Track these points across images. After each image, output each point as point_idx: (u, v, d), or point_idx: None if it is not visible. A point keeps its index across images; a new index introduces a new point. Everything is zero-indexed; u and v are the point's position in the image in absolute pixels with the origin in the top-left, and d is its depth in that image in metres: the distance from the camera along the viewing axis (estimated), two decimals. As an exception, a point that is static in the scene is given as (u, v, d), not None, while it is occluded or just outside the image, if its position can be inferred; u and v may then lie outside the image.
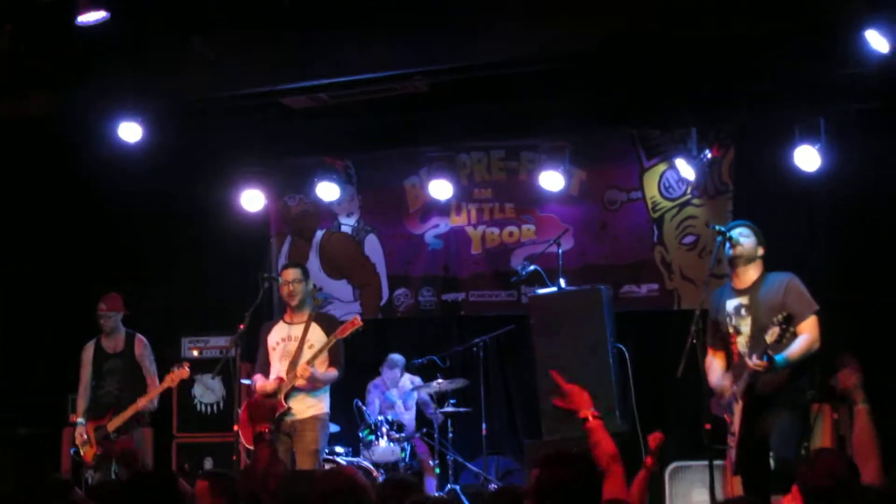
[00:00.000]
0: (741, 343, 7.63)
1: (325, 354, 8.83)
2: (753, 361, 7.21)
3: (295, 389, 8.87)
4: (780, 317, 7.11)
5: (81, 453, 9.71)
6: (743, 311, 7.65)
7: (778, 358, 7.24)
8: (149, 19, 9.43)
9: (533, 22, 9.16)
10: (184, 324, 12.20)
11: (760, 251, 7.79)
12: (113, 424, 9.63)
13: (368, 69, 9.78)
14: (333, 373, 8.88)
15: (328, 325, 9.02)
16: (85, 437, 9.68)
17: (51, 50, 9.96)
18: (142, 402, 9.74)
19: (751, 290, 7.70)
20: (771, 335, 7.12)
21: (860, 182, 10.39)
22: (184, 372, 9.75)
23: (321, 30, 9.48)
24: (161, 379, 9.92)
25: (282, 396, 8.77)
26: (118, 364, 9.93)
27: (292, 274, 9.24)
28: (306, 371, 8.63)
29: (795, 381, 7.50)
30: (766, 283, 7.66)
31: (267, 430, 8.54)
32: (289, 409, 8.77)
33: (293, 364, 8.80)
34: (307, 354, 8.84)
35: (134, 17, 9.22)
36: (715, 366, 7.82)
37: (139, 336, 10.10)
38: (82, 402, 9.92)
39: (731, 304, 7.75)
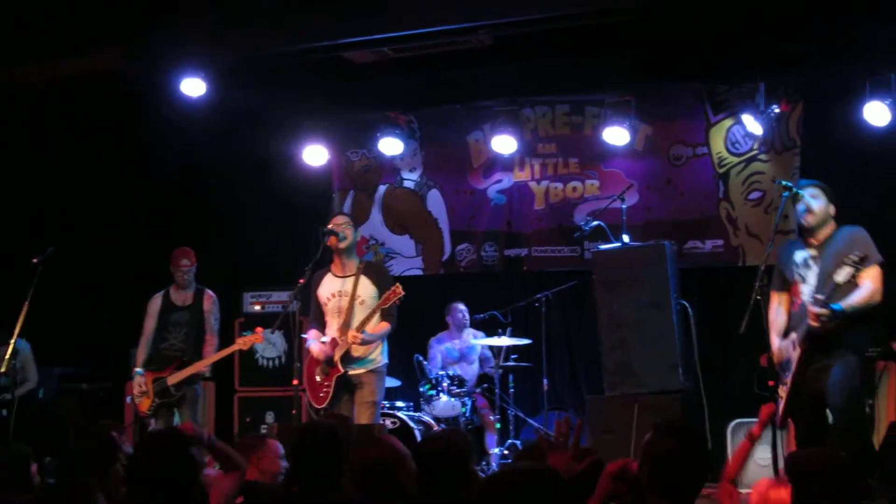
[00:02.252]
0: (805, 292, 7.48)
1: (376, 313, 8.75)
2: (813, 310, 7.09)
3: (352, 358, 8.79)
4: (854, 257, 6.96)
5: (137, 402, 9.76)
6: (811, 262, 7.52)
7: (835, 306, 7.11)
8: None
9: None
10: (246, 279, 12.27)
11: (832, 210, 7.65)
12: (173, 379, 9.66)
13: (431, 22, 9.70)
14: (386, 328, 8.79)
15: (378, 277, 8.90)
16: (143, 387, 9.73)
17: (115, 5, 10.01)
18: (204, 364, 9.78)
19: (821, 245, 7.58)
20: (843, 274, 6.98)
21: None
22: (257, 338, 9.75)
23: (384, -18, 9.46)
24: (229, 340, 9.95)
25: (337, 360, 8.71)
26: (185, 317, 9.95)
27: (343, 218, 9.19)
28: (357, 338, 8.57)
29: (855, 333, 7.35)
30: (836, 236, 7.53)
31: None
32: (345, 372, 8.72)
33: (346, 324, 8.73)
34: (359, 311, 8.72)
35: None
36: (780, 312, 7.69)
37: (209, 291, 10.10)
38: (143, 353, 9.93)
39: (800, 256, 7.62)
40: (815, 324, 7.10)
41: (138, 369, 9.83)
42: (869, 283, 7.20)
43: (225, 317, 10.38)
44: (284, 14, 9.87)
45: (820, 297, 7.14)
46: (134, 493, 4.59)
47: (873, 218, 9.84)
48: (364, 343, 8.62)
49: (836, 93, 10.55)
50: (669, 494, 4.15)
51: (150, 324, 10.01)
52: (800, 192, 7.69)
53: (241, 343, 9.76)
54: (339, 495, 4.91)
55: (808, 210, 7.59)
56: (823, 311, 7.05)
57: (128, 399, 9.94)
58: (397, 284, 8.60)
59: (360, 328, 8.58)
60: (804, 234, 7.81)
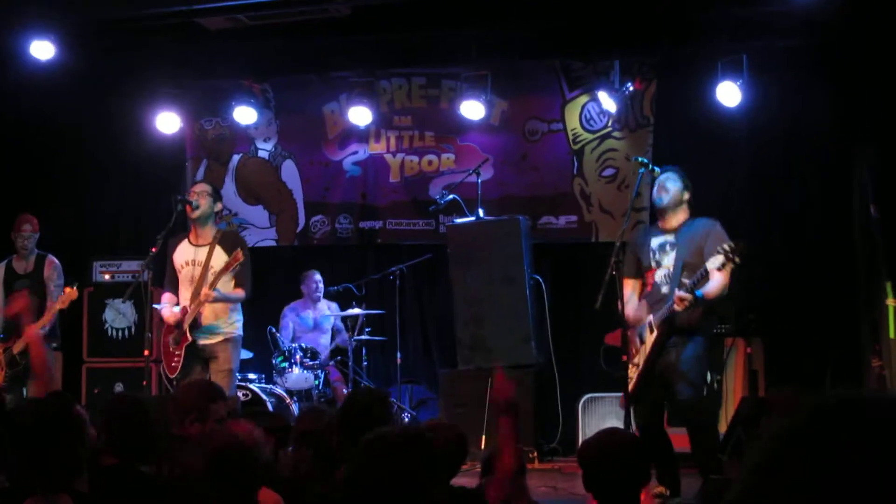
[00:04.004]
0: (659, 275, 7.61)
1: (229, 275, 8.64)
2: (680, 295, 7.20)
3: (200, 326, 8.67)
4: (727, 246, 7.07)
5: None
6: (668, 248, 7.63)
7: (698, 293, 7.25)
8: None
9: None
10: (96, 247, 12.00)
11: (686, 196, 7.76)
12: (17, 346, 9.44)
13: (289, -10, 9.60)
14: (240, 293, 8.70)
15: (231, 244, 8.79)
16: None
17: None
18: (34, 329, 9.54)
19: (676, 231, 7.68)
20: (715, 262, 7.08)
21: (781, 119, 10.49)
22: (72, 292, 9.51)
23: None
24: (80, 309, 9.76)
25: (186, 328, 8.58)
26: (26, 285, 9.73)
27: (201, 186, 9.06)
28: (209, 295, 8.46)
29: (707, 318, 7.52)
30: (691, 225, 7.65)
31: None
32: (193, 341, 8.59)
33: (197, 293, 8.63)
34: (211, 281, 8.65)
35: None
36: (633, 299, 7.82)
37: (50, 257, 9.89)
38: None
39: (655, 241, 7.72)
40: (678, 308, 7.21)
41: None
42: (722, 277, 7.33)
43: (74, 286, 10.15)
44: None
45: (687, 282, 7.26)
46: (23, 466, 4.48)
47: (722, 196, 10.10)
48: (216, 301, 8.50)
49: (688, 72, 10.75)
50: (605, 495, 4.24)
51: None
52: (655, 168, 7.80)
53: (60, 303, 9.52)
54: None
55: (662, 187, 7.69)
56: (688, 296, 7.17)
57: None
58: (238, 250, 8.47)
59: (212, 286, 8.47)
60: (658, 219, 7.91)
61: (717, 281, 7.32)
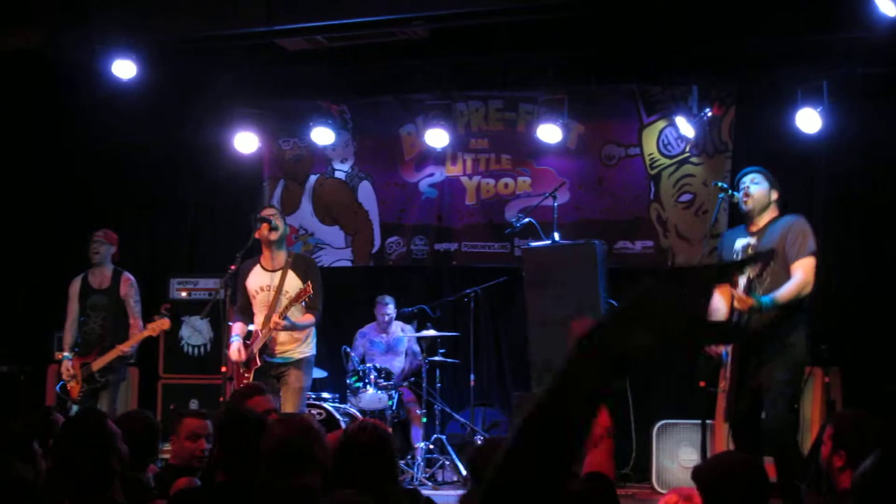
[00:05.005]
0: (742, 281, 7.51)
1: (299, 306, 8.70)
2: (738, 295, 7.12)
3: (275, 356, 8.74)
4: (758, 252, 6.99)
5: (67, 388, 9.64)
6: (750, 251, 7.55)
7: (764, 299, 7.15)
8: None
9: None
10: (173, 265, 12.13)
11: (774, 195, 7.67)
12: (97, 364, 9.55)
13: (367, 12, 9.65)
14: (310, 319, 8.75)
15: (305, 271, 8.84)
16: (72, 371, 9.63)
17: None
18: (123, 348, 9.65)
19: (760, 231, 7.60)
20: (753, 270, 7.02)
21: (861, 146, 10.34)
22: (165, 322, 9.64)
23: (320, -32, 9.40)
24: (145, 323, 9.83)
25: (256, 352, 8.64)
26: (103, 301, 9.83)
27: (273, 209, 9.17)
28: (279, 324, 8.51)
29: (788, 335, 7.36)
30: (776, 224, 7.55)
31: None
32: (264, 363, 8.65)
33: (269, 318, 8.68)
34: (283, 306, 8.70)
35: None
36: (718, 303, 7.72)
37: (126, 274, 9.98)
38: (69, 337, 9.83)
39: (739, 243, 7.64)
40: (739, 307, 7.12)
41: (66, 354, 9.71)
42: (799, 274, 7.23)
43: (153, 303, 10.27)
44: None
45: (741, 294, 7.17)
46: (56, 473, 4.67)
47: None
48: (286, 329, 8.56)
49: (767, 98, 10.65)
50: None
51: (73, 307, 9.90)
52: (735, 193, 7.72)
53: (150, 330, 9.66)
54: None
55: (746, 194, 7.62)
56: (744, 298, 7.08)
57: (58, 385, 9.76)
58: (308, 283, 8.51)
59: (282, 315, 8.52)
60: (745, 220, 7.82)
61: (793, 281, 7.21)
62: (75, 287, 9.94)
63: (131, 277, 9.98)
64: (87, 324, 9.81)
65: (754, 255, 7.21)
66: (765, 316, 7.23)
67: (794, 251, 7.34)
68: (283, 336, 8.68)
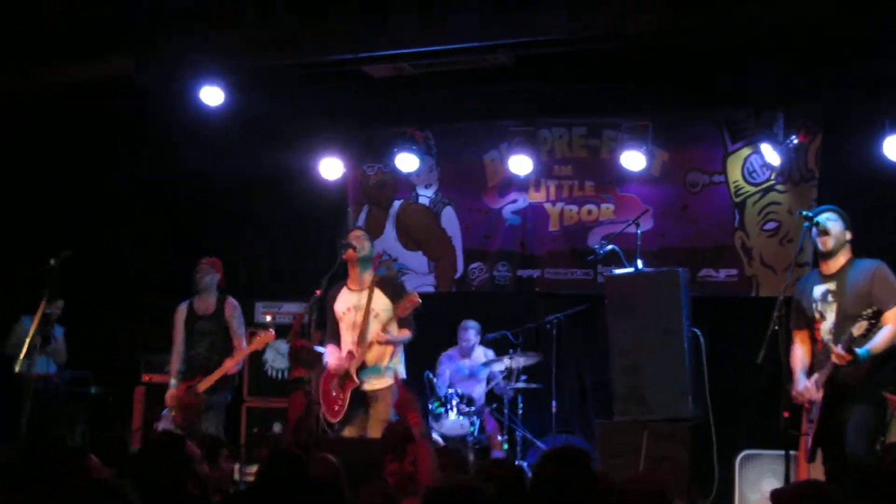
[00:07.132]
0: (824, 329, 7.48)
1: (394, 321, 8.84)
2: (837, 352, 7.06)
3: (366, 367, 8.87)
4: (869, 311, 6.94)
5: (172, 414, 9.75)
6: (829, 297, 7.50)
7: (861, 351, 7.10)
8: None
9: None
10: (258, 289, 12.24)
11: (848, 236, 7.64)
12: (202, 386, 9.67)
13: (452, 40, 9.71)
14: (406, 334, 8.93)
15: (392, 290, 8.99)
16: (177, 398, 9.76)
17: (133, 11, 10.02)
18: (228, 364, 9.78)
19: (838, 276, 7.55)
20: (858, 328, 6.97)
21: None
22: (270, 335, 9.82)
23: (405, -3, 9.47)
24: (248, 339, 9.98)
25: (353, 372, 8.78)
26: (209, 326, 9.97)
27: (359, 232, 9.35)
28: (382, 337, 8.69)
29: (876, 373, 7.33)
30: (854, 269, 7.51)
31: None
32: (361, 383, 8.80)
33: (362, 336, 8.80)
34: (374, 324, 8.84)
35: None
36: (799, 354, 7.66)
37: (230, 298, 10.14)
38: (176, 364, 9.97)
39: (818, 290, 7.60)
40: (838, 362, 7.08)
41: (172, 380, 9.85)
42: (891, 326, 7.17)
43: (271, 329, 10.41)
44: (304, 26, 9.89)
45: (847, 337, 7.11)
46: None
47: (889, 253, 9.83)
48: (387, 343, 8.71)
49: (855, 126, 10.51)
50: None
51: (178, 334, 10.06)
52: (818, 220, 7.66)
53: (256, 343, 9.84)
54: None
55: (825, 232, 7.56)
56: (843, 355, 7.03)
57: (164, 411, 9.89)
58: (413, 292, 8.66)
59: (385, 330, 8.72)
60: (819, 263, 7.77)
61: (884, 333, 7.16)
62: (181, 314, 10.09)
63: (235, 302, 10.14)
64: (192, 349, 9.96)
65: None
66: (859, 367, 7.18)
67: (884, 299, 7.27)
68: (374, 352, 8.83)
